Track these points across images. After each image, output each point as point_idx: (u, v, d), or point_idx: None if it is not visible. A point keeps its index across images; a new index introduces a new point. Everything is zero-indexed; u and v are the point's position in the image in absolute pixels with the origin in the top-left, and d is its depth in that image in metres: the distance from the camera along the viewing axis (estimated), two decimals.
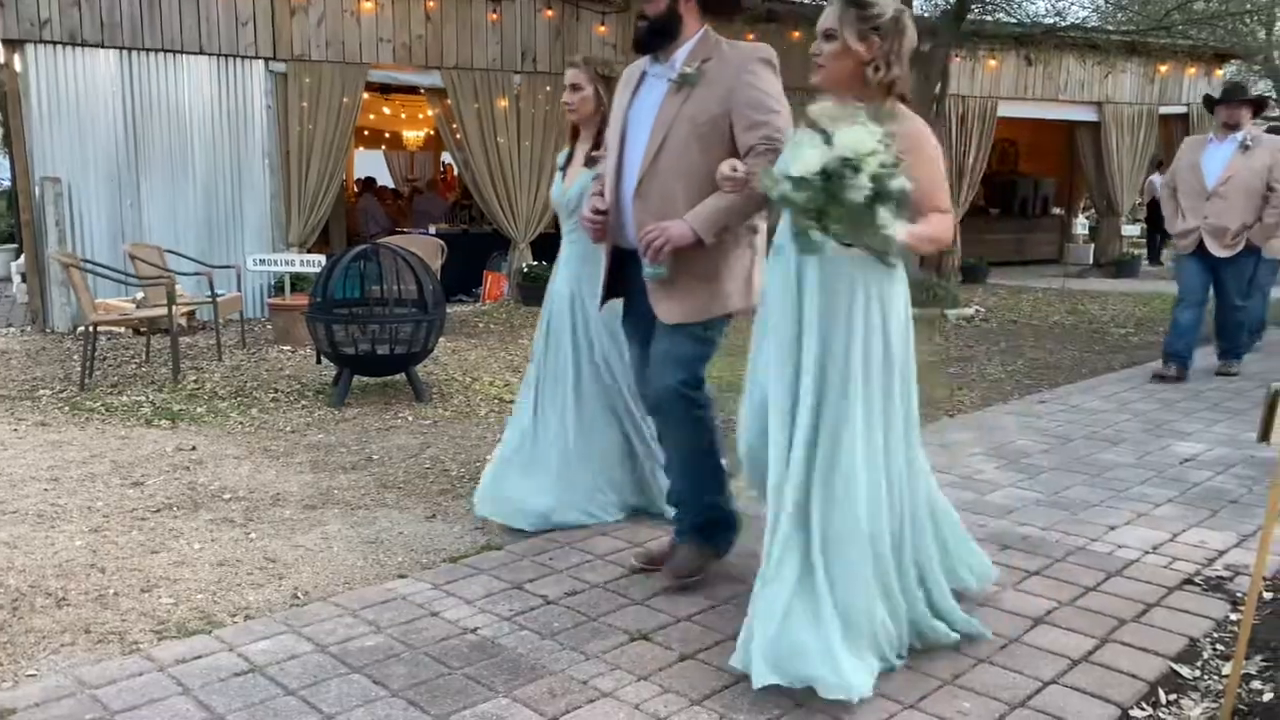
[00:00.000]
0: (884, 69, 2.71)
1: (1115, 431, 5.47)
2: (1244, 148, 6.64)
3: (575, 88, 3.95)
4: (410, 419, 5.75)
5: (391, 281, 6.27)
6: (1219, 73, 16.26)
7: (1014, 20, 12.22)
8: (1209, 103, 7.06)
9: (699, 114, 3.07)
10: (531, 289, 10.73)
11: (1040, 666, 2.78)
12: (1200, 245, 6.75)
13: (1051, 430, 5.49)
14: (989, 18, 12.01)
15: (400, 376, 6.35)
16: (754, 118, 3.04)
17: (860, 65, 2.73)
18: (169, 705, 2.56)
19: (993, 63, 13.71)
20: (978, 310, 10.41)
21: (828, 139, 2.44)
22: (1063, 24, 12.25)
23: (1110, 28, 13.77)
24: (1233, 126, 6.73)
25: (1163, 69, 15.27)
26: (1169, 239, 9.64)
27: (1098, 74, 14.23)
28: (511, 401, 6.16)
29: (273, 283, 9.80)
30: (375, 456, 4.96)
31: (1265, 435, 2.26)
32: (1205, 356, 7.31)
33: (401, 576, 3.44)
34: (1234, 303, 6.95)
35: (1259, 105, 7.03)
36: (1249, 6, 13.28)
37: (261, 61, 9.76)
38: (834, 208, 2.42)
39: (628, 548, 3.68)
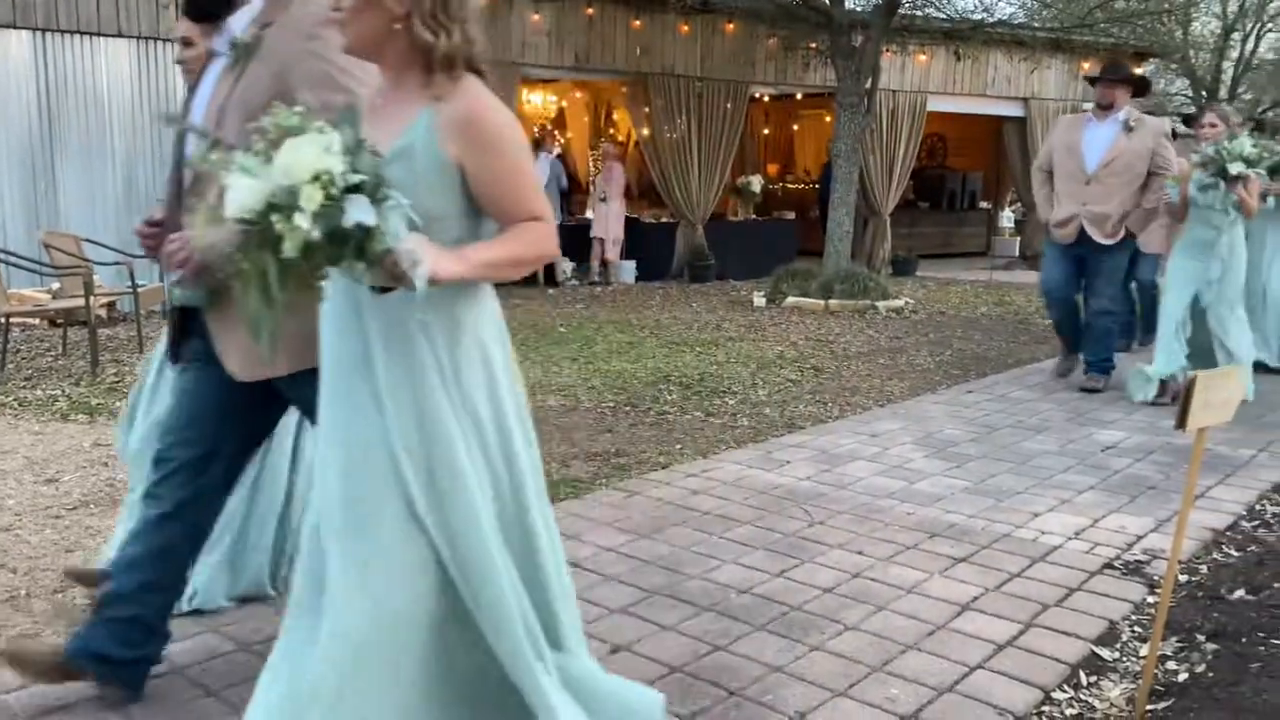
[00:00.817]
0: (431, 31, 1.93)
1: (1040, 420, 5.59)
2: (1127, 129, 6.15)
3: (187, 43, 2.92)
4: None
5: None
6: (1138, 71, 16.71)
7: (943, 16, 12.43)
8: (1090, 81, 6.61)
9: (253, 97, 2.24)
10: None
11: (967, 652, 2.83)
12: (1081, 234, 6.21)
13: (978, 419, 5.60)
14: (919, 13, 12.19)
15: None
16: (317, 102, 2.10)
17: (390, 23, 1.93)
18: (82, 710, 2.47)
19: (923, 58, 13.92)
20: (907, 302, 10.57)
21: (268, 158, 1.72)
22: (990, 20, 12.48)
23: (1036, 25, 14.07)
24: (1107, 107, 6.24)
25: (1086, 66, 15.64)
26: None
27: (1024, 70, 14.54)
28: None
29: None
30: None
31: (1182, 423, 2.32)
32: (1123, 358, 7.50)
33: None
34: (1105, 306, 6.31)
35: (1139, 86, 6.51)
36: (1166, 6, 13.67)
37: None
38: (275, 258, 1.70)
39: (565, 541, 3.64)
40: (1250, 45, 27.47)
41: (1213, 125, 5.88)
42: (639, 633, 2.91)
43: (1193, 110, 25.09)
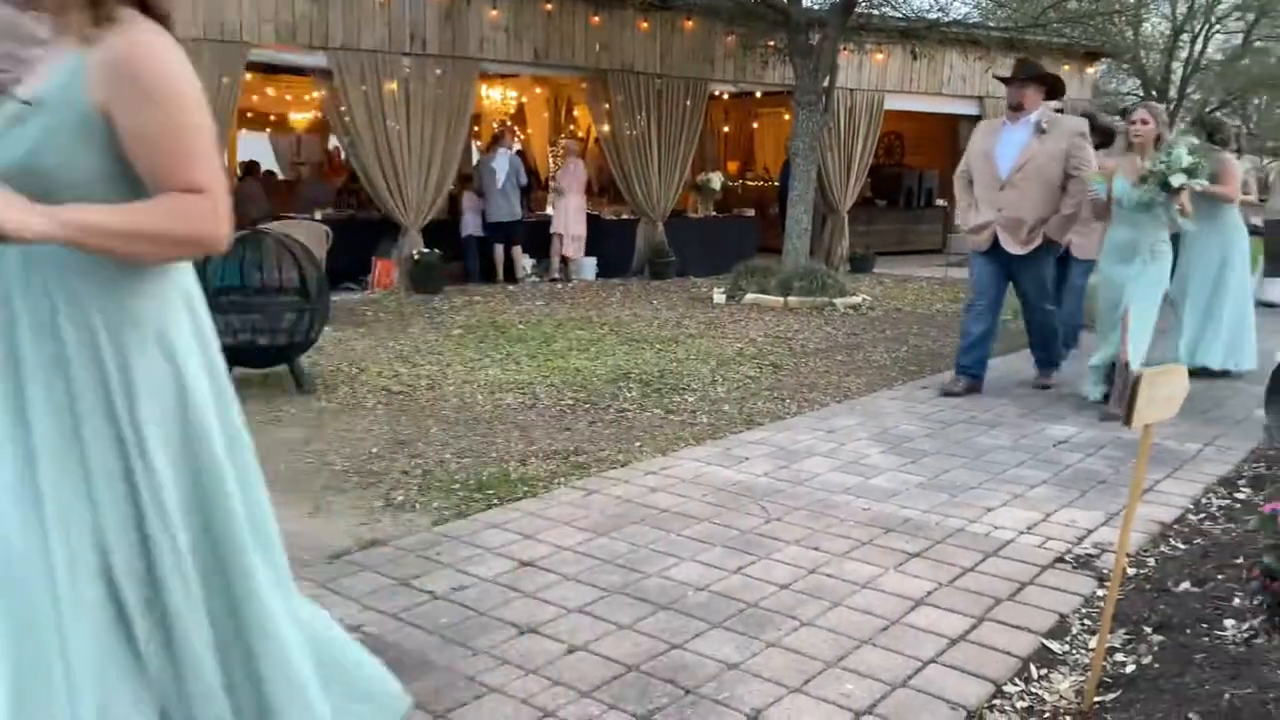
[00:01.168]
0: None
1: (993, 416, 5.66)
2: (1040, 131, 5.89)
3: None
4: (293, 412, 5.58)
5: (273, 268, 6.07)
6: (1090, 70, 16.97)
7: (899, 15, 12.53)
8: (1004, 82, 6.27)
9: None
10: (422, 276, 10.55)
11: (920, 646, 2.86)
12: (996, 242, 6.00)
13: (933, 415, 5.65)
14: (875, 12, 12.28)
15: (282, 367, 6.15)
16: None
17: None
18: None
19: (880, 56, 14.02)
20: (865, 299, 10.65)
21: None
22: (946, 20, 12.60)
23: (991, 24, 14.24)
24: (1017, 108, 6.00)
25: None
26: None
27: (979, 69, 14.69)
28: (401, 393, 6.06)
29: None
30: (256, 451, 4.78)
31: (1129, 419, 2.35)
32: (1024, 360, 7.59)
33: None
34: (1041, 305, 6.21)
35: (1052, 86, 6.16)
36: (1117, 6, 13.88)
37: None
38: None
39: (519, 540, 3.64)
40: (1199, 46, 28.00)
41: (1144, 121, 5.47)
42: (595, 632, 2.91)
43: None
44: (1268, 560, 2.68)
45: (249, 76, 12.37)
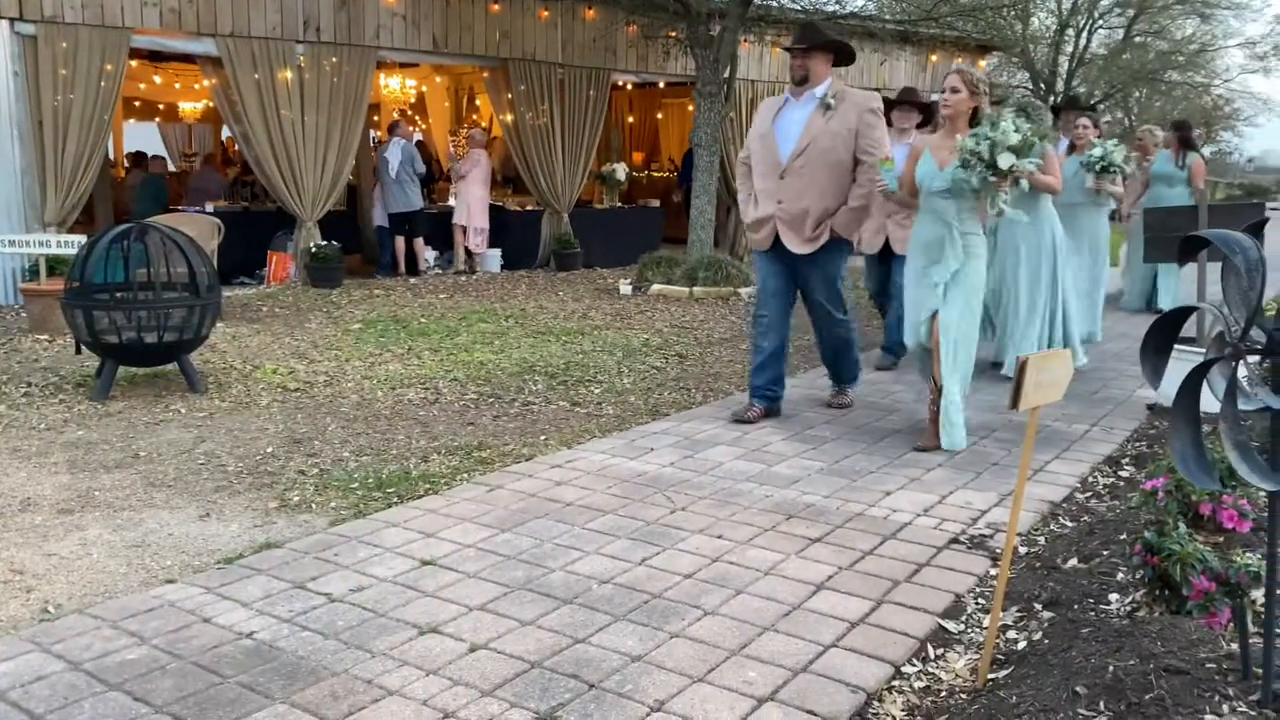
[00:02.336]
0: None
1: (891, 401, 5.78)
2: (825, 108, 4.98)
3: None
4: (183, 411, 5.38)
5: (159, 264, 5.83)
6: (982, 64, 17.46)
7: (798, 8, 12.68)
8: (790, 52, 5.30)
9: None
10: (320, 269, 10.28)
11: (821, 631, 2.89)
12: (778, 240, 5.10)
13: (836, 401, 5.73)
14: (774, 3, 12.41)
15: (172, 366, 5.93)
16: None
17: None
18: None
19: (780, 48, 14.18)
20: None
21: None
22: (843, 12, 12.80)
23: (886, 17, 14.52)
24: (801, 82, 5.09)
25: (934, 58, 16.25)
26: None
27: (875, 61, 14.98)
28: (297, 390, 5.90)
29: (26, 266, 8.94)
30: (143, 453, 4.61)
31: (1015, 403, 2.41)
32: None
33: (170, 582, 3.20)
34: (830, 314, 5.28)
35: (840, 52, 5.18)
36: (1006, 1, 14.30)
37: (5, 22, 8.84)
38: None
39: (420, 538, 3.57)
40: (1083, 41, 29.07)
41: (954, 90, 4.66)
42: (498, 629, 2.87)
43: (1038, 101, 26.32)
44: (1148, 535, 2.78)
45: (133, 63, 11.90)
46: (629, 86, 15.50)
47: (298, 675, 2.60)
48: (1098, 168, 6.77)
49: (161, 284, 5.80)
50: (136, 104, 16.14)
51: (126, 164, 14.98)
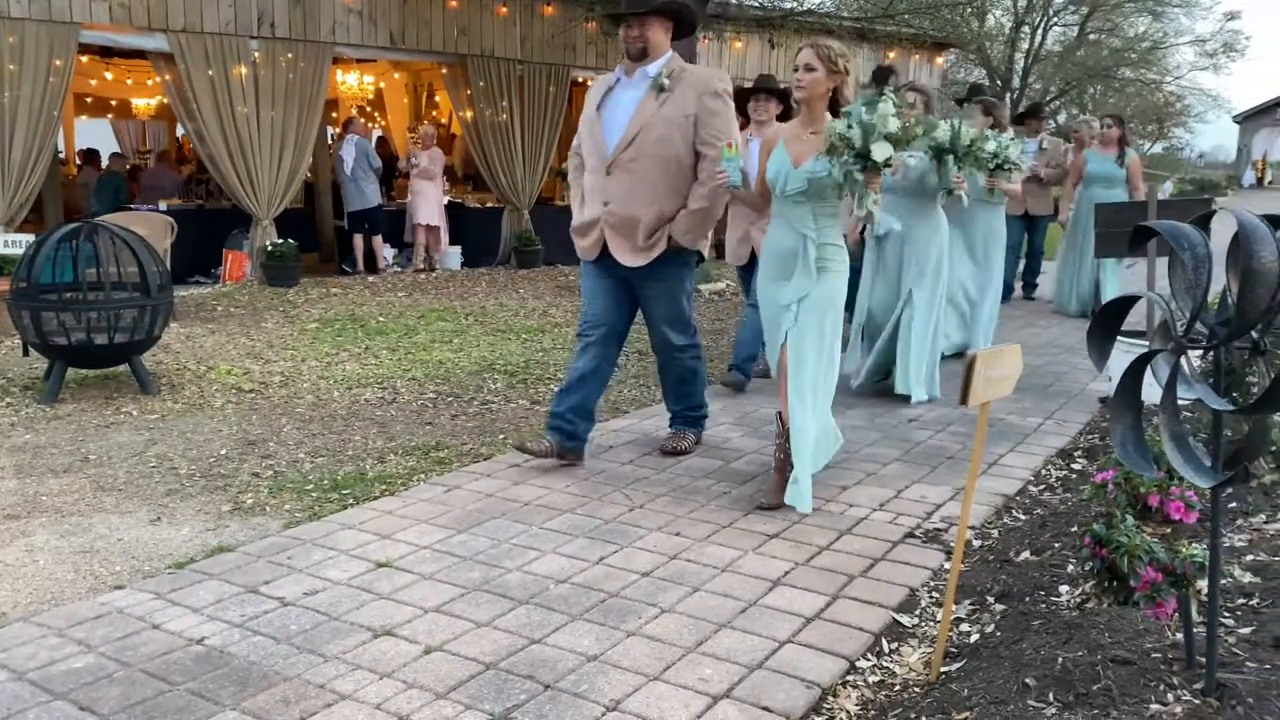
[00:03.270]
0: None
1: (849, 395, 5.80)
2: (658, 89, 4.11)
3: None
4: (135, 414, 5.29)
5: (110, 263, 5.73)
6: (939, 60, 17.62)
7: (756, 4, 12.72)
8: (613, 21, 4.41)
9: None
10: (276, 268, 10.16)
11: (777, 627, 2.90)
12: (607, 249, 4.25)
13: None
14: (732, 1, 12.43)
15: (123, 368, 5.83)
16: None
17: None
18: None
19: (738, 45, 14.21)
20: (728, 284, 10.80)
21: None
22: (801, 9, 12.87)
23: (844, 14, 14.61)
24: (638, 57, 4.15)
25: (892, 55, 16.37)
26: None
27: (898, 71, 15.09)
28: (252, 391, 5.82)
29: None
30: (93, 457, 4.53)
31: (965, 399, 2.44)
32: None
33: (119, 588, 3.15)
34: (672, 340, 4.40)
35: (679, 16, 4.25)
36: None
37: None
38: None
39: (376, 540, 3.54)
40: (1039, 38, 29.45)
41: (808, 69, 3.79)
42: (453, 631, 2.85)
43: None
44: (1097, 528, 2.82)
45: (83, 59, 11.68)
46: (589, 83, 15.45)
47: (249, 681, 2.57)
48: (990, 165, 6.05)
49: (112, 284, 5.70)
50: (88, 100, 15.85)
51: (78, 161, 14.71)
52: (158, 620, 2.91)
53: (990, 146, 5.97)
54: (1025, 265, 10.01)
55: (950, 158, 5.30)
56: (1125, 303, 2.29)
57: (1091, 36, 30.35)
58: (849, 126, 3.56)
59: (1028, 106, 11.59)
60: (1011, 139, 6.11)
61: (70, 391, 5.67)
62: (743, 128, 5.64)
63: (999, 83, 28.37)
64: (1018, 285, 10.02)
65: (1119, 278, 8.58)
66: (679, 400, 4.68)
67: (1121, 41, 30.99)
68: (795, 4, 12.82)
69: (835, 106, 3.81)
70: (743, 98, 5.43)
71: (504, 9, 12.10)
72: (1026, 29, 28.83)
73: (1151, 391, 2.17)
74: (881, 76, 8.27)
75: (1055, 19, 29.47)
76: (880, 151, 3.54)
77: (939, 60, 17.58)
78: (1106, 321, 2.31)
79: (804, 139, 3.82)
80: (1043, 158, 9.44)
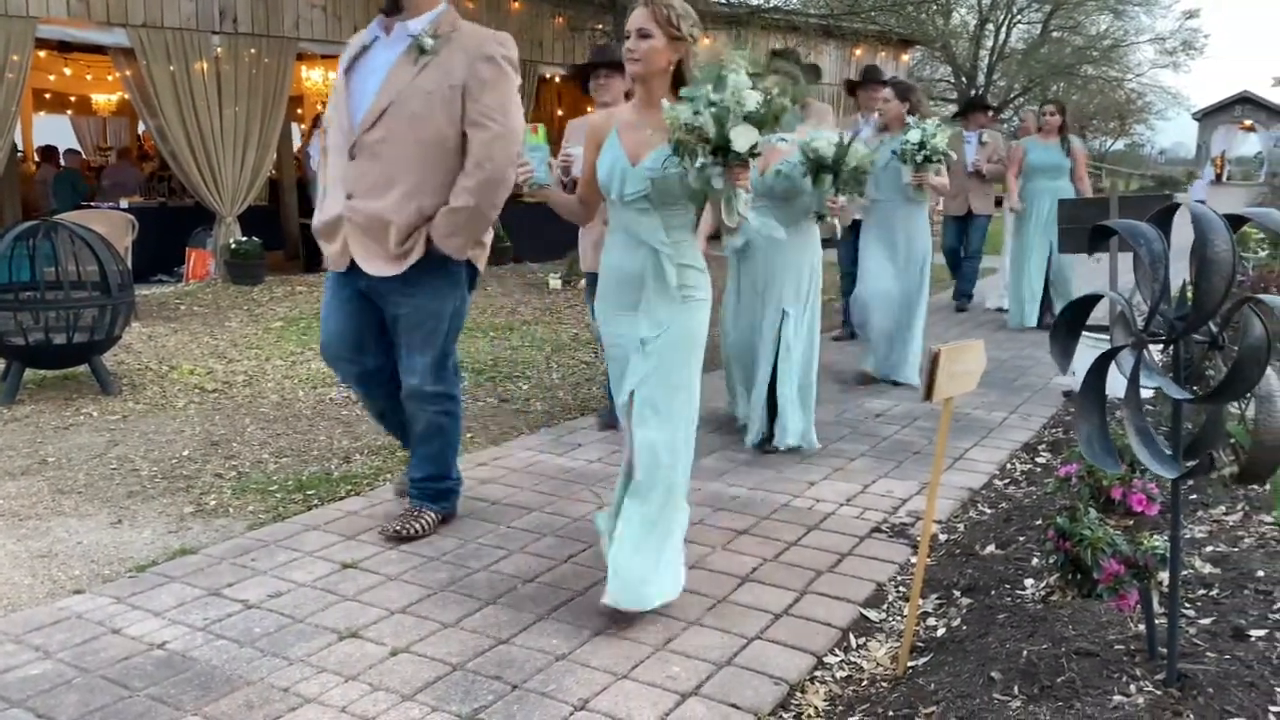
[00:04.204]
0: None
1: (817, 391, 5.81)
2: (418, 50, 3.24)
3: None
4: (95, 415, 5.21)
5: (69, 262, 5.63)
6: (905, 57, 17.73)
7: (722, 1, 12.73)
8: None
9: None
10: (240, 266, 10.04)
11: (745, 624, 2.90)
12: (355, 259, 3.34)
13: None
14: None
15: (83, 368, 5.73)
16: None
17: None
18: None
19: (706, 41, 14.19)
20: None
21: None
22: (767, 6, 12.90)
23: (810, 11, 14.67)
24: (392, 10, 3.35)
25: (858, 52, 16.45)
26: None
27: (801, 55, 15.12)
28: (215, 391, 5.75)
29: None
30: (51, 459, 4.45)
31: (929, 394, 2.45)
32: None
33: (78, 592, 3.10)
34: (418, 384, 3.43)
35: None
36: None
37: None
38: None
39: (341, 541, 3.50)
40: (1003, 35, 29.71)
41: (643, 35, 2.85)
42: (420, 632, 2.83)
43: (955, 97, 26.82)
44: (1061, 521, 2.84)
45: (41, 54, 11.48)
46: (557, 79, 15.41)
47: (211, 685, 2.53)
48: (917, 158, 5.44)
49: (71, 283, 5.60)
50: (46, 96, 15.58)
51: (36, 159, 14.46)
52: (118, 625, 2.86)
53: (914, 136, 5.44)
54: (965, 268, 9.10)
55: (829, 177, 4.38)
56: (1088, 302, 2.31)
57: (1055, 34, 30.67)
58: (696, 113, 2.69)
59: (970, 99, 10.99)
60: (938, 125, 5.48)
61: (28, 393, 5.57)
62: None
63: (964, 80, 28.61)
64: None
65: (1072, 287, 7.84)
66: (421, 465, 3.58)
67: (1084, 39, 31.35)
68: (762, 1, 12.84)
69: (680, 84, 2.87)
70: (585, 73, 4.72)
71: (471, 4, 12.03)
72: (991, 26, 29.09)
73: (1114, 385, 2.20)
74: (786, 57, 6.94)
75: (1019, 17, 29.75)
76: (742, 138, 2.69)
77: (905, 57, 17.69)
78: (1070, 319, 2.33)
79: (642, 127, 2.91)
80: (983, 152, 8.88)
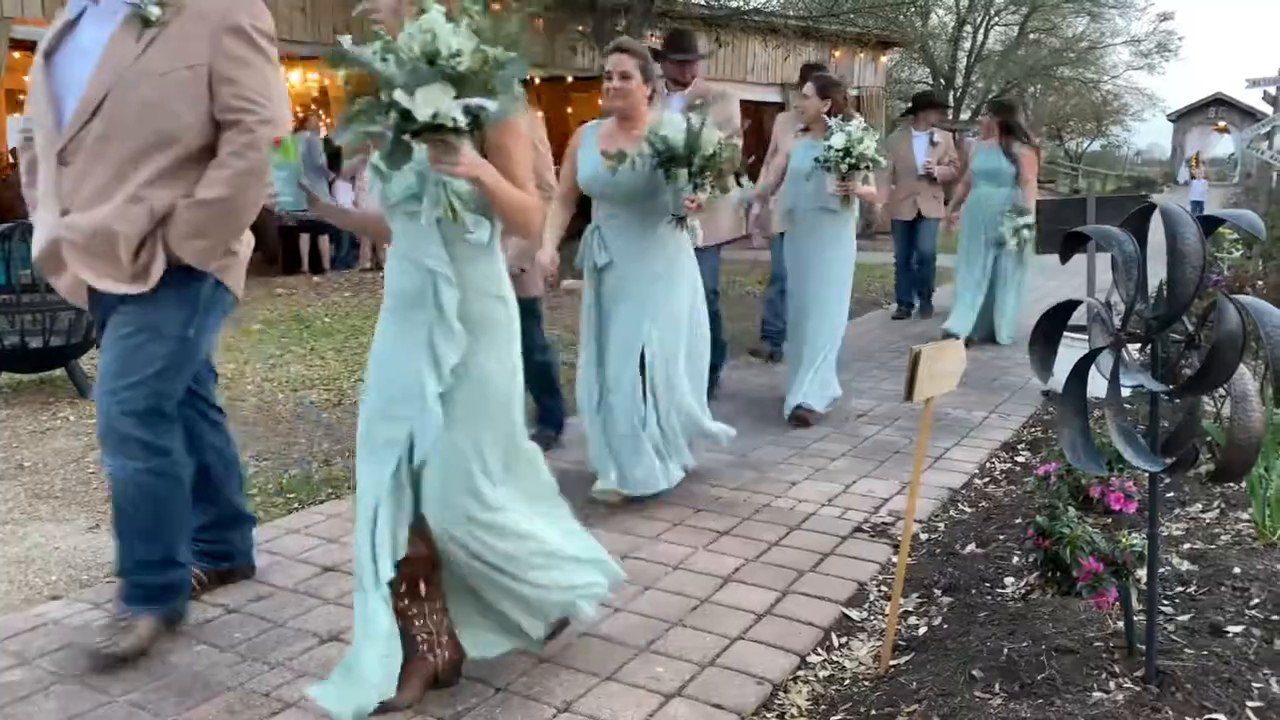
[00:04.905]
0: None
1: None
2: (142, 22, 2.61)
3: None
4: (72, 419, 5.16)
5: None
6: (883, 59, 17.83)
7: (701, 2, 12.77)
8: None
9: None
10: None
11: (728, 624, 2.91)
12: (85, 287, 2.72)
13: (742, 393, 5.78)
14: None
15: (60, 371, 5.68)
16: None
17: None
18: None
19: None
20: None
21: None
22: (747, 8, 12.94)
23: (790, 13, 14.73)
24: None
25: (837, 54, 16.52)
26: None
27: (779, 57, 15.16)
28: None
29: None
30: (28, 464, 4.40)
31: (910, 394, 2.46)
32: None
33: (55, 598, 3.07)
34: (119, 430, 2.64)
35: None
36: None
37: None
38: None
39: (322, 544, 3.49)
40: (981, 37, 29.93)
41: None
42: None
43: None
44: (1040, 519, 2.86)
45: (16, 55, 11.35)
46: (537, 80, 15.39)
47: (191, 691, 2.52)
48: (842, 165, 4.79)
49: (47, 286, 5.54)
50: (20, 97, 15.42)
51: (11, 160, 14.30)
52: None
53: (837, 141, 4.75)
54: (918, 274, 8.59)
55: (684, 171, 3.65)
56: (1065, 309, 2.33)
57: (1032, 36, 30.92)
58: (382, 58, 2.08)
59: (920, 95, 9.47)
60: (864, 128, 4.89)
61: (4, 397, 5.51)
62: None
63: (942, 81, 28.79)
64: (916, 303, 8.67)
65: (1015, 306, 7.26)
66: (130, 552, 2.73)
67: (1060, 41, 31.62)
68: (741, 3, 12.87)
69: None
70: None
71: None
72: (969, 28, 29.29)
73: (1093, 385, 2.22)
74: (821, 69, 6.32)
75: (996, 19, 29.98)
76: (426, 102, 2.02)
77: (883, 59, 17.79)
78: (1048, 328, 2.35)
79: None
80: (934, 153, 8.34)
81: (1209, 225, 2.17)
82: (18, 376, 5.75)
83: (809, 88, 5.18)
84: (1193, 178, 23.66)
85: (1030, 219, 6.85)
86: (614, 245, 3.87)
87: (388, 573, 2.34)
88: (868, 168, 4.88)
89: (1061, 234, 2.37)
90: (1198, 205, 18.40)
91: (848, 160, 4.77)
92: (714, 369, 4.86)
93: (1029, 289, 7.49)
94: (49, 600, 3.06)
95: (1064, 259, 2.41)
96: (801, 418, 5.06)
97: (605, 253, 3.89)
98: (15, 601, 3.05)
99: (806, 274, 5.16)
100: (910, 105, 9.39)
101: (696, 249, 4.07)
